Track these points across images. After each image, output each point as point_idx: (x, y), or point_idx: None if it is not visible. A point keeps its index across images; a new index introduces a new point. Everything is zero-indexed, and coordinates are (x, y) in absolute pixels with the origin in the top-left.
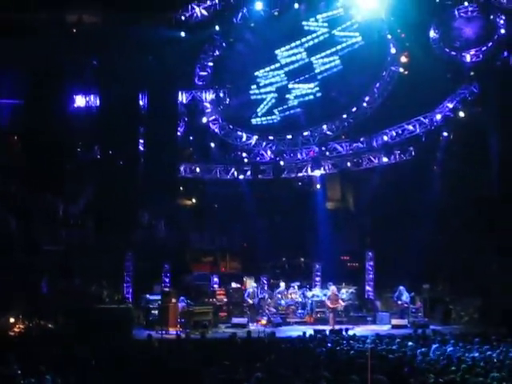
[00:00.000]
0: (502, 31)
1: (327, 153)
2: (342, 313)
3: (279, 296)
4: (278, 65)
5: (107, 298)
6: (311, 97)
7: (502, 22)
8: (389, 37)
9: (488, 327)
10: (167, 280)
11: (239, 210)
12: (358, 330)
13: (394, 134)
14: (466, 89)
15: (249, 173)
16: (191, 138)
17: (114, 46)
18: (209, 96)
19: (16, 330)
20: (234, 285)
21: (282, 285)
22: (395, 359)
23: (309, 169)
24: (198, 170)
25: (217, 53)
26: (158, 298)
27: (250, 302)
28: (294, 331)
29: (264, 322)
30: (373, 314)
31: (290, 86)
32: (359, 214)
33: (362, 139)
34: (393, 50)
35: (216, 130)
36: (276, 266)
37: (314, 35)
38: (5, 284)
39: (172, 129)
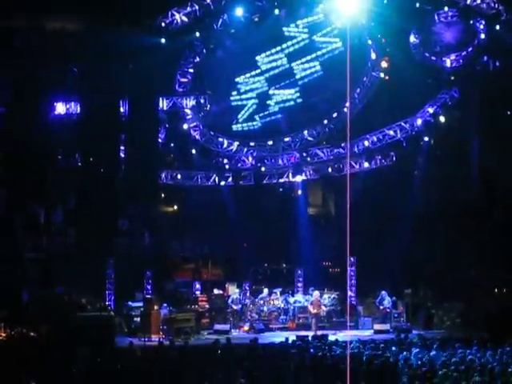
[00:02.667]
0: (482, 36)
1: (308, 158)
2: (325, 318)
3: (261, 302)
4: (258, 71)
5: (89, 306)
6: (292, 103)
7: (481, 26)
8: (369, 42)
9: (470, 332)
10: (149, 287)
11: (221, 216)
12: (341, 336)
13: (375, 139)
14: (446, 93)
15: (230, 179)
16: (172, 144)
17: (94, 53)
18: (189, 102)
19: None
20: (216, 291)
21: (265, 291)
22: (378, 364)
23: (290, 175)
24: (179, 176)
25: (197, 59)
26: (140, 305)
27: (235, 307)
28: (277, 337)
29: (246, 328)
30: (355, 319)
31: (271, 92)
32: (341, 219)
33: (342, 145)
34: (373, 56)
35: (197, 137)
36: (258, 271)
37: (295, 41)
38: None
39: (153, 135)
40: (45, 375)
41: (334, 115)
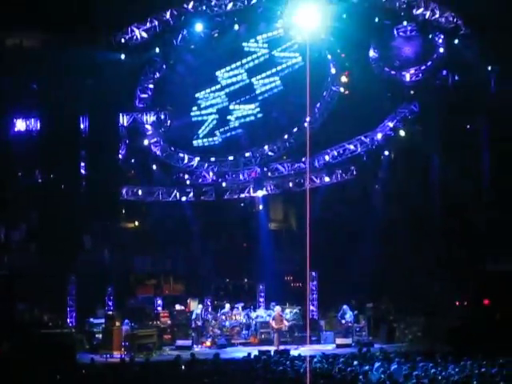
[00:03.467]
0: (441, 50)
1: (269, 173)
2: (287, 333)
3: (223, 317)
4: (218, 86)
5: (50, 323)
6: (252, 118)
7: (440, 41)
8: (329, 57)
9: (432, 345)
10: (111, 303)
11: (182, 231)
12: (303, 350)
13: (336, 153)
14: (406, 108)
15: (191, 195)
16: (133, 160)
17: (53, 69)
18: (150, 118)
19: None
20: (178, 307)
21: (227, 306)
22: (340, 378)
23: (251, 190)
24: (140, 192)
25: (157, 75)
26: (102, 321)
27: (198, 323)
28: (239, 352)
29: (208, 343)
30: (317, 333)
31: (231, 107)
32: (302, 234)
33: (303, 159)
34: (333, 70)
35: (157, 152)
36: (220, 287)
37: (255, 56)
38: None
39: (113, 152)
40: None
41: (295, 130)
